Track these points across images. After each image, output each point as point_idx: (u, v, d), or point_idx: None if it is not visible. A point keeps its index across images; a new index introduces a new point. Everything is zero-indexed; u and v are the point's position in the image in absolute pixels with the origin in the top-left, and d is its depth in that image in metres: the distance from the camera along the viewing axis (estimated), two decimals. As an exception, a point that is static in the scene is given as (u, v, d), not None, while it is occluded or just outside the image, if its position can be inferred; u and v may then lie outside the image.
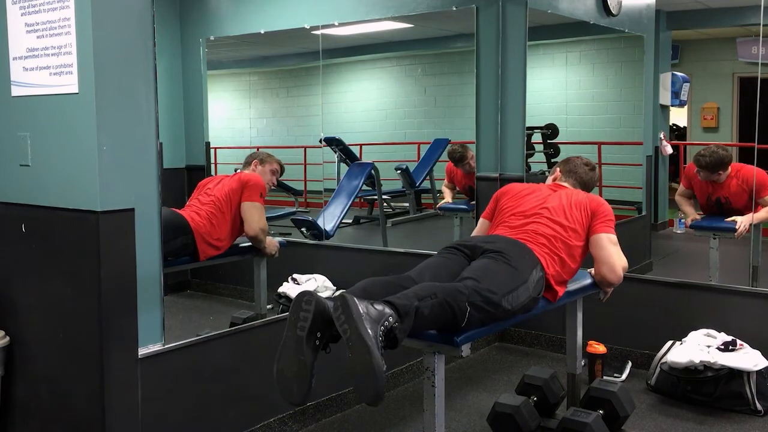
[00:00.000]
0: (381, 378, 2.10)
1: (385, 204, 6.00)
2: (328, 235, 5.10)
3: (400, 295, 2.35)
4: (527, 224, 3.01)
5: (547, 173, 5.56)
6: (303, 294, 2.29)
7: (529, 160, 4.97)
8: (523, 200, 3.17)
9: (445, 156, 5.76)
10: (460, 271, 2.71)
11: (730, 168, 4.44)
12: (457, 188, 5.35)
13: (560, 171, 3.40)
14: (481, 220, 3.35)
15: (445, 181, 5.42)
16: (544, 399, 3.45)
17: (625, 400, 3.35)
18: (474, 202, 4.82)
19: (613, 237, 3.07)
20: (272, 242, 4.14)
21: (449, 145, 5.55)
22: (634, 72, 5.71)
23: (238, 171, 4.31)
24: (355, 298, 2.19)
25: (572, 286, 3.10)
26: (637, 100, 5.68)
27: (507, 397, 3.32)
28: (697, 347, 3.74)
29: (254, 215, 4.02)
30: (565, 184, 3.31)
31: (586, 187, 3.35)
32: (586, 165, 3.41)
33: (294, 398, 2.26)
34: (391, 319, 2.22)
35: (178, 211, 4.04)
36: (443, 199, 5.38)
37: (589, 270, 3.22)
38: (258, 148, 6.87)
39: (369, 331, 2.13)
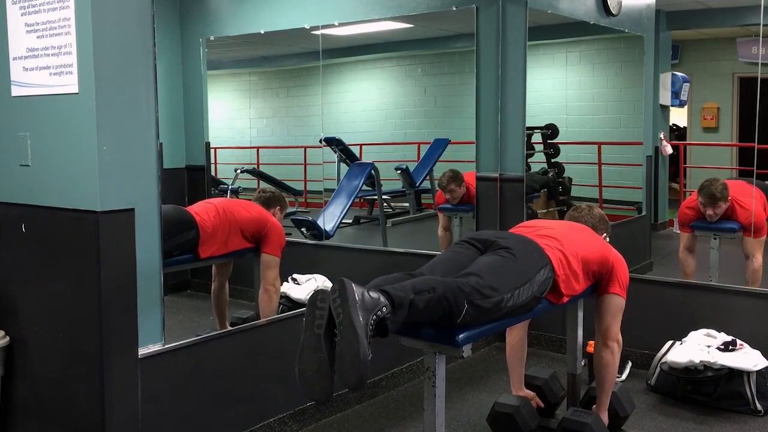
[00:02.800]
0: (365, 366, 2.15)
1: (385, 204, 6.00)
2: (328, 235, 5.10)
3: (398, 286, 2.37)
4: (544, 227, 3.04)
5: (549, 173, 5.57)
6: (317, 293, 2.31)
7: (529, 160, 4.97)
8: (540, 222, 3.24)
9: (444, 156, 5.76)
10: (468, 264, 2.71)
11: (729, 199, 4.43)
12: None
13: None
14: None
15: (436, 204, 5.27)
16: (544, 399, 3.45)
17: (625, 400, 3.35)
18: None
19: (623, 303, 3.16)
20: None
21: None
22: (634, 72, 5.71)
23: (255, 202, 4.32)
24: (352, 283, 2.23)
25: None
26: (637, 100, 5.67)
27: (507, 397, 3.32)
28: (697, 347, 3.74)
29: (274, 272, 4.10)
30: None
31: (594, 224, 3.33)
32: (579, 208, 3.42)
33: (319, 396, 2.29)
34: (384, 309, 2.27)
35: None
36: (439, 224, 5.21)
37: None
38: (258, 149, 6.90)
39: (360, 318, 2.18)
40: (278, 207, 4.36)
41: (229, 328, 4.26)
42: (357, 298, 2.21)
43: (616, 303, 3.13)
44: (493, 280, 2.58)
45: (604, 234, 3.37)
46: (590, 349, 3.96)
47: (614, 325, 3.14)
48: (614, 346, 3.15)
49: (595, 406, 3.26)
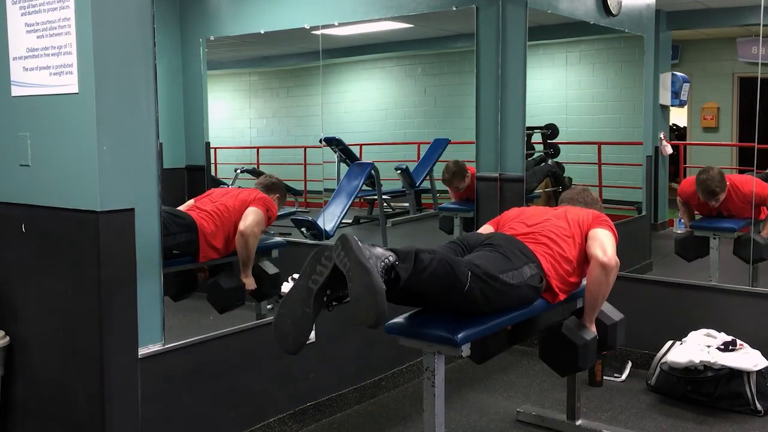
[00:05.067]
0: (382, 297, 2.13)
1: (385, 204, 6.00)
2: (328, 235, 5.10)
3: (400, 247, 2.40)
4: (530, 232, 3.02)
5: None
6: (323, 249, 2.30)
7: (529, 160, 4.97)
8: (528, 213, 3.22)
9: (444, 156, 5.76)
10: None
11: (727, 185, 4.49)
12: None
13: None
14: (485, 225, 3.31)
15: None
16: (519, 328, 3.21)
17: (609, 310, 3.16)
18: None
19: (609, 234, 3.01)
20: (251, 282, 4.13)
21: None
22: (634, 72, 5.70)
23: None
24: (355, 237, 2.23)
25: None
26: (637, 100, 5.67)
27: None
28: (697, 347, 3.74)
29: (253, 219, 4.00)
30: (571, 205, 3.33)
31: (587, 204, 3.33)
32: (574, 189, 3.44)
33: (288, 346, 2.29)
34: (391, 258, 2.26)
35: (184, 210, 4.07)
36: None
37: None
38: (258, 149, 6.90)
39: (369, 259, 2.17)
40: (277, 195, 4.32)
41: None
42: (362, 246, 2.21)
43: (598, 231, 3.01)
44: (485, 262, 2.63)
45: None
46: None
47: (605, 244, 2.94)
48: (609, 262, 2.88)
49: (581, 320, 3.07)
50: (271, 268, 4.22)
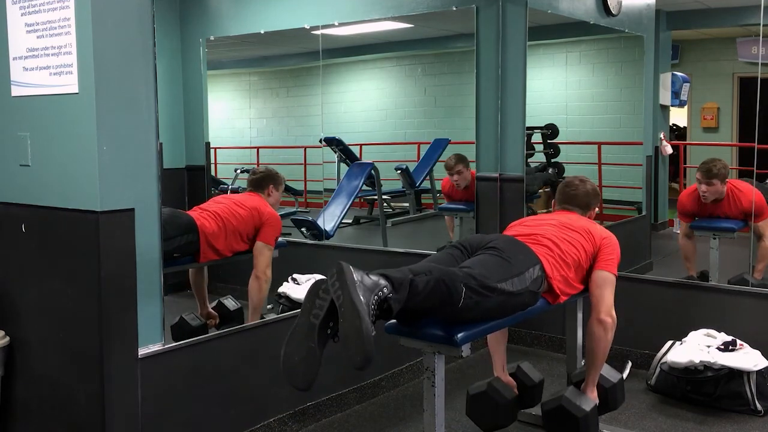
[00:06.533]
0: (369, 342, 2.14)
1: (385, 204, 6.00)
2: (328, 235, 5.10)
3: (395, 270, 2.39)
4: (532, 233, 3.02)
5: (548, 169, 5.58)
6: (321, 282, 2.31)
7: (529, 160, 4.97)
8: (530, 218, 3.24)
9: (444, 156, 5.75)
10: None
11: (726, 183, 4.47)
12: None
13: (555, 202, 3.41)
14: None
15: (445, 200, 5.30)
16: (523, 398, 3.34)
17: (608, 372, 3.21)
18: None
19: (612, 277, 3.05)
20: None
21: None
22: (634, 72, 5.71)
23: (250, 192, 4.24)
24: (350, 266, 2.24)
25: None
26: (637, 100, 5.68)
27: (499, 384, 3.19)
28: (697, 347, 3.74)
29: (266, 259, 4.03)
30: (569, 210, 3.31)
31: (589, 199, 3.31)
32: (571, 184, 3.36)
33: (299, 383, 2.28)
34: (385, 290, 2.27)
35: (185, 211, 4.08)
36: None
37: None
38: (258, 149, 6.90)
39: (361, 298, 2.19)
40: (271, 185, 4.26)
41: (211, 310, 4.25)
42: (356, 279, 2.21)
43: (604, 276, 3.03)
44: (484, 271, 2.62)
45: (596, 208, 3.36)
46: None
47: (604, 298, 3.01)
48: (606, 320, 2.98)
49: (583, 384, 3.14)
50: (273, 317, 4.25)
